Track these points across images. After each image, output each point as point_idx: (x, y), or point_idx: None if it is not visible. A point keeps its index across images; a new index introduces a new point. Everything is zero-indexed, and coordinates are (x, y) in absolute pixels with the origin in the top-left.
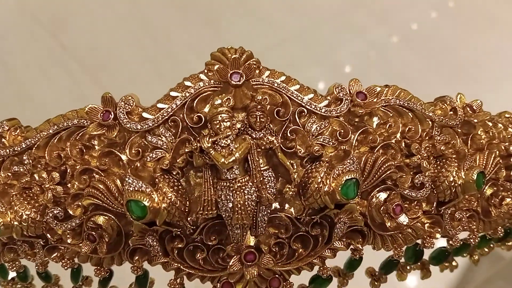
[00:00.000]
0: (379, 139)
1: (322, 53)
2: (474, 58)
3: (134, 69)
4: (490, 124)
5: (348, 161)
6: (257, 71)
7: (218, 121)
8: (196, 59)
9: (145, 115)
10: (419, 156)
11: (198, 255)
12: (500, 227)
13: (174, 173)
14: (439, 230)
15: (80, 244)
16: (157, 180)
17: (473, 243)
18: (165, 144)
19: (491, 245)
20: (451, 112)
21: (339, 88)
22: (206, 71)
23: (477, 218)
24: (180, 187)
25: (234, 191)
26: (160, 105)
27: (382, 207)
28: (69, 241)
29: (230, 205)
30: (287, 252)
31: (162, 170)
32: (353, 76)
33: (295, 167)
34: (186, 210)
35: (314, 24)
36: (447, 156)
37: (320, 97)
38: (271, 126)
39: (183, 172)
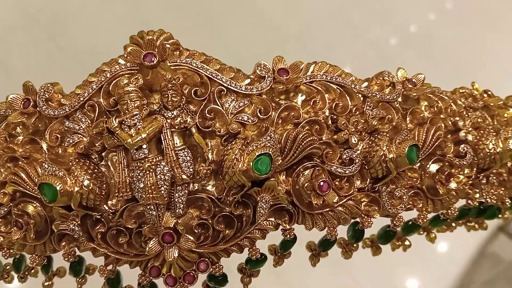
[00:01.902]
0: (304, 116)
1: (321, 53)
2: (473, 58)
3: None
4: (436, 98)
5: (265, 137)
6: (177, 52)
7: (125, 101)
8: None
9: (63, 101)
10: (347, 131)
11: (121, 239)
12: (453, 207)
13: (92, 157)
14: (376, 208)
15: (11, 232)
16: (70, 164)
17: (421, 223)
18: (81, 129)
19: (452, 224)
20: (390, 87)
21: (261, 66)
22: (125, 55)
23: (423, 196)
24: (96, 170)
25: (145, 171)
26: (77, 91)
27: (307, 184)
28: (2, 229)
29: (141, 185)
30: (212, 234)
31: (79, 154)
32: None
33: (210, 146)
34: (103, 193)
35: (314, 25)
36: (380, 131)
37: (242, 76)
38: (190, 106)
39: (101, 156)
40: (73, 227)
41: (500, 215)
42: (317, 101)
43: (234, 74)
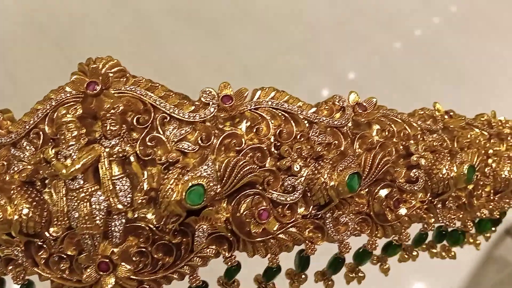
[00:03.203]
0: (248, 142)
1: (325, 60)
2: (477, 64)
3: None
4: (388, 121)
5: (202, 166)
6: (123, 79)
7: (63, 131)
8: (200, 70)
9: (10, 128)
10: (289, 158)
11: (62, 266)
12: (405, 232)
13: (36, 184)
14: (320, 235)
15: None
16: (12, 192)
17: (370, 249)
18: (26, 156)
19: (413, 253)
20: (341, 112)
21: (206, 92)
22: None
23: (371, 222)
24: (38, 198)
25: (79, 201)
26: (24, 118)
27: (246, 212)
28: None
29: (76, 214)
30: (151, 262)
31: (22, 182)
32: (357, 84)
33: (146, 175)
34: (43, 221)
35: (317, 32)
36: (324, 158)
37: (188, 103)
38: (133, 133)
39: (45, 183)
40: (17, 253)
41: (465, 240)
42: (261, 128)
43: (179, 101)
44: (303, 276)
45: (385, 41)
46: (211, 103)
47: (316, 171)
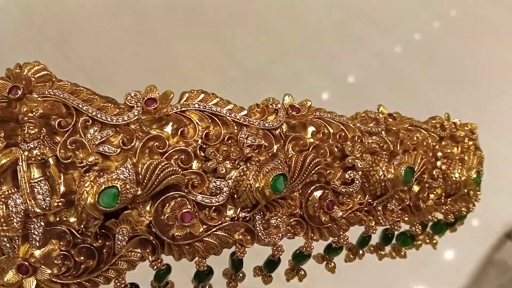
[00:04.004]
0: (175, 145)
1: (325, 63)
2: (477, 67)
3: (138, 81)
4: (324, 123)
5: (120, 169)
6: (49, 83)
7: None
8: (200, 71)
9: None
10: (215, 161)
11: None
12: (343, 235)
13: None
14: (249, 238)
15: None
16: None
17: (306, 252)
18: None
19: (360, 252)
20: (274, 114)
21: (131, 95)
22: None
23: (305, 224)
24: None
25: None
26: None
27: (168, 215)
28: None
29: None
30: (74, 265)
31: None
32: (356, 86)
33: (62, 178)
34: None
35: (317, 35)
36: (252, 160)
37: (113, 106)
38: (57, 137)
39: None
40: None
41: (415, 242)
42: (187, 130)
43: (103, 104)
44: (240, 275)
45: (385, 44)
46: (135, 106)
47: (242, 173)
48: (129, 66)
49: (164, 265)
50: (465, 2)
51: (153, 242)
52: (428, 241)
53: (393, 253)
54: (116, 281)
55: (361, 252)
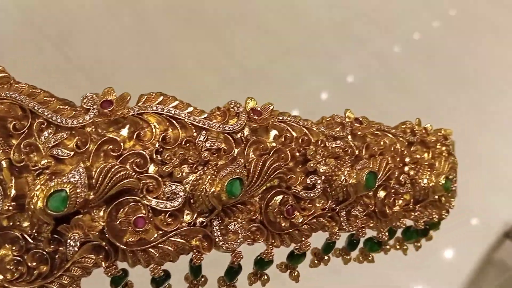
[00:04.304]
0: (128, 148)
1: (325, 63)
2: (476, 67)
3: (138, 81)
4: (287, 127)
5: (71, 173)
6: (7, 86)
7: None
8: (199, 71)
9: None
10: (171, 164)
11: None
12: (305, 241)
13: None
14: (206, 244)
15: None
16: None
17: (266, 258)
18: None
19: (325, 258)
20: (236, 118)
21: (87, 97)
22: None
23: (265, 230)
24: None
25: None
26: None
27: (121, 220)
28: None
29: None
30: (27, 271)
31: None
32: (356, 86)
33: (14, 182)
34: None
35: (317, 35)
36: (210, 164)
37: (68, 109)
38: (12, 140)
39: None
40: None
41: (381, 248)
42: (144, 134)
43: (60, 107)
44: (202, 279)
45: (385, 44)
46: (91, 108)
47: (199, 178)
48: (129, 66)
49: (120, 271)
50: (464, 2)
51: (106, 248)
52: (398, 247)
53: (360, 257)
54: (70, 287)
55: (326, 257)
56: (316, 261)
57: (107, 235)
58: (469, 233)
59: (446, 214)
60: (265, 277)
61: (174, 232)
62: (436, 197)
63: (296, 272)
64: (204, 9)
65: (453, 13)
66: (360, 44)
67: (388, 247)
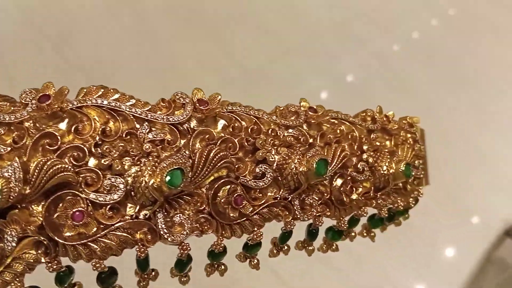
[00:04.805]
0: (66, 142)
1: (324, 63)
2: (476, 66)
3: (138, 82)
4: (236, 117)
5: (6, 167)
6: None
7: None
8: (199, 71)
9: None
10: (110, 157)
11: None
12: (257, 231)
13: None
14: (150, 237)
15: None
16: None
17: (216, 250)
18: None
19: (285, 247)
20: (182, 109)
21: (26, 93)
22: None
23: (214, 221)
24: None
25: None
26: None
27: (58, 214)
28: None
29: None
30: None
31: None
32: (356, 86)
33: None
34: None
35: (316, 35)
36: (151, 155)
37: (7, 105)
38: None
39: None
40: None
41: (343, 236)
42: (82, 127)
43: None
44: (153, 273)
45: (384, 43)
46: (29, 103)
47: (139, 170)
48: (129, 66)
49: (64, 267)
50: (464, 1)
51: (45, 243)
52: (365, 234)
53: (324, 247)
54: (13, 284)
55: (286, 247)
56: (275, 251)
57: (46, 229)
58: (470, 231)
59: (414, 203)
60: (222, 267)
61: (116, 226)
62: (400, 185)
63: (256, 260)
64: (204, 9)
65: (452, 12)
66: (360, 44)
67: (353, 234)
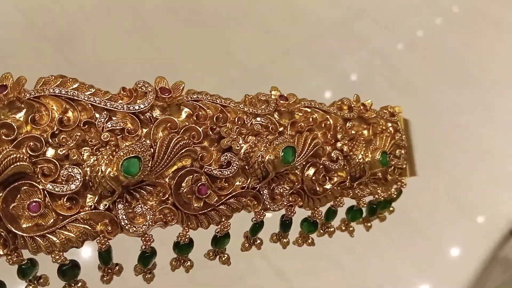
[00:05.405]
0: (23, 132)
1: (327, 62)
2: (479, 64)
3: None
4: (200, 105)
5: None
6: None
7: None
8: (200, 71)
9: None
10: (66, 147)
11: None
12: (224, 221)
13: None
14: (110, 229)
15: None
16: None
17: (182, 242)
18: None
19: (257, 241)
20: (143, 98)
21: None
22: None
23: (177, 212)
24: None
25: None
26: None
27: (14, 205)
28: None
29: None
30: None
31: None
32: (359, 85)
33: None
34: None
35: (319, 34)
36: (109, 144)
37: None
38: None
39: None
40: None
41: (321, 231)
42: (39, 117)
43: None
44: (117, 267)
45: (387, 42)
46: None
47: (96, 159)
48: (129, 67)
49: (25, 260)
50: None
51: (3, 234)
52: (344, 228)
53: (299, 240)
54: None
55: (258, 241)
56: (247, 245)
57: (3, 221)
58: (475, 231)
59: (397, 194)
60: (189, 263)
61: (74, 217)
62: (380, 175)
63: (226, 256)
64: (204, 9)
65: (455, 10)
66: (363, 42)
67: (332, 229)
